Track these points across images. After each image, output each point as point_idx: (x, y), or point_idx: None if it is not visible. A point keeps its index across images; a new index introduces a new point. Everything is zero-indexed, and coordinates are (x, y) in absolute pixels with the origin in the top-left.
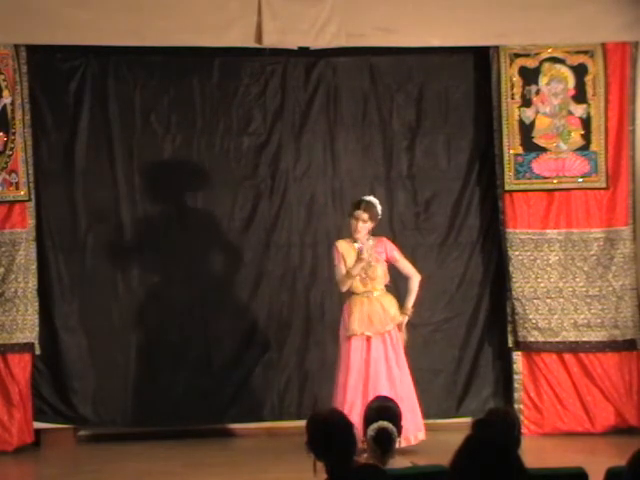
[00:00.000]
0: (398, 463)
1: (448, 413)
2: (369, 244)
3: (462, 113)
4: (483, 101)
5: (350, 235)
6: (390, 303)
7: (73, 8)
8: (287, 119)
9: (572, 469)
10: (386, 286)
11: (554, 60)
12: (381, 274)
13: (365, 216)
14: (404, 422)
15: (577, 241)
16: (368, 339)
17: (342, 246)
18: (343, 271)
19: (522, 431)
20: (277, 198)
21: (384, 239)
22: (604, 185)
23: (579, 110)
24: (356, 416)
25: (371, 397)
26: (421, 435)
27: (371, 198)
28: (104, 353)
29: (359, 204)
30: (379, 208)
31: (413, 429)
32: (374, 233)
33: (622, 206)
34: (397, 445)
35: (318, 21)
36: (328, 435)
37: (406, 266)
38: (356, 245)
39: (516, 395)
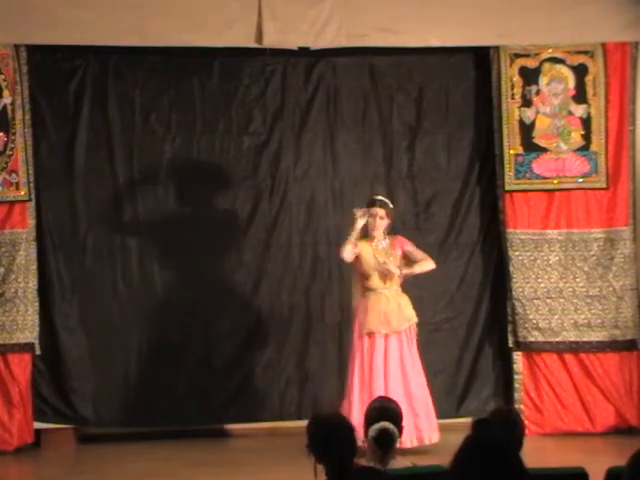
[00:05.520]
0: (398, 463)
1: (448, 413)
2: (386, 242)
3: (462, 113)
4: (483, 101)
5: (367, 235)
6: (406, 303)
7: (73, 8)
8: (287, 119)
9: (572, 469)
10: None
11: (554, 60)
12: (397, 272)
13: (382, 212)
14: (419, 423)
15: (577, 241)
16: (385, 337)
17: (361, 244)
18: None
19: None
20: (277, 198)
21: (399, 237)
22: (604, 185)
23: (579, 110)
24: None
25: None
26: (435, 437)
27: (383, 197)
28: (104, 353)
29: (374, 202)
30: (391, 206)
31: (428, 430)
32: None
33: (622, 206)
34: (410, 445)
35: (318, 21)
36: (328, 438)
37: (420, 253)
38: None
39: (516, 395)
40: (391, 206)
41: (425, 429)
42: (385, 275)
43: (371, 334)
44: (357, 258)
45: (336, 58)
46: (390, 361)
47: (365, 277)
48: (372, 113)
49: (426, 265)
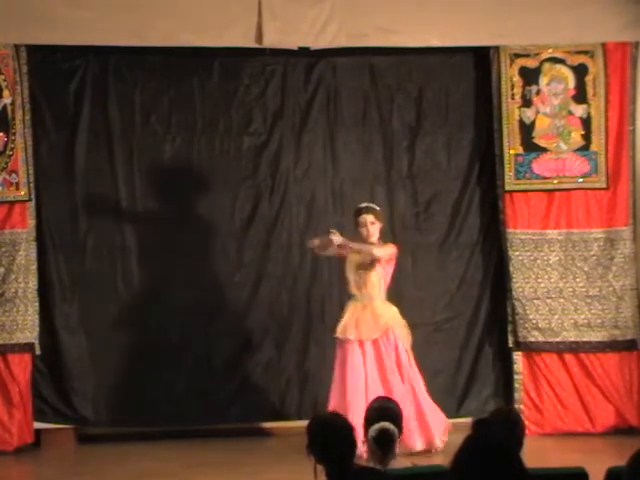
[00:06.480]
0: (398, 463)
1: (448, 413)
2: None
3: (462, 113)
4: (483, 101)
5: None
6: (384, 310)
7: (73, 8)
8: (287, 119)
9: (572, 469)
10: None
11: (554, 60)
12: (375, 280)
13: (371, 217)
14: (423, 428)
15: (577, 241)
16: (360, 344)
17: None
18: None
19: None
20: (277, 198)
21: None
22: (604, 185)
23: (579, 110)
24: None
25: (368, 401)
26: (419, 446)
27: (367, 203)
28: (104, 353)
29: (360, 211)
30: (378, 208)
31: (438, 433)
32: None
33: (622, 206)
34: (417, 448)
35: (318, 21)
36: (328, 439)
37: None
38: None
39: (516, 395)
40: (378, 209)
41: (436, 432)
42: (360, 281)
43: (345, 340)
44: (343, 262)
45: (336, 58)
46: (368, 368)
47: (346, 282)
48: (372, 113)
49: (367, 247)
